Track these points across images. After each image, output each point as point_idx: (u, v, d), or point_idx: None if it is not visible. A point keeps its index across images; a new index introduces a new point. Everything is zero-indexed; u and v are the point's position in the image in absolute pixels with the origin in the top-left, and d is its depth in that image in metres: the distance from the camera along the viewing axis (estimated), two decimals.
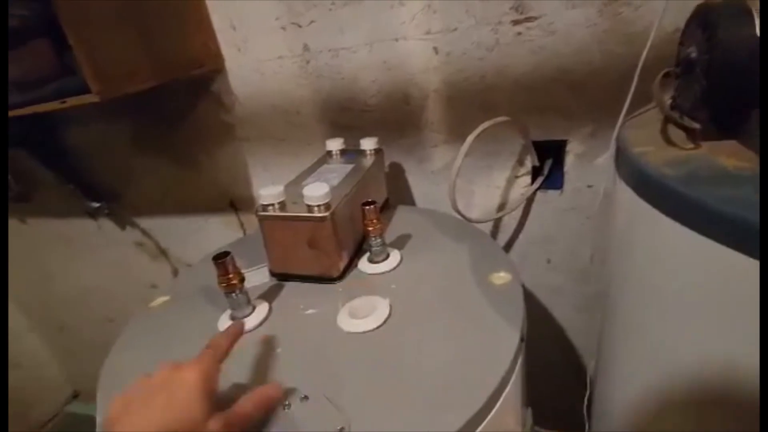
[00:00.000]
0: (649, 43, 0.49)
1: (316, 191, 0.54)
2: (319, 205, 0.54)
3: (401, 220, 0.75)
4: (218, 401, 0.35)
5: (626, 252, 0.43)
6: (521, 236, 0.88)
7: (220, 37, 0.86)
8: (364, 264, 0.62)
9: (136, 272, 1.29)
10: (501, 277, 0.55)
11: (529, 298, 0.93)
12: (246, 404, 0.38)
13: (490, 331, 0.47)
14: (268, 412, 0.40)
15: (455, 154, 0.82)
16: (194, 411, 0.33)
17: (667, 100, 0.37)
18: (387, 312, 0.51)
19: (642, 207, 0.34)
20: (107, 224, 1.23)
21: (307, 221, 0.55)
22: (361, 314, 0.51)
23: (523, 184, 0.83)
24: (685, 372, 0.35)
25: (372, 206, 0.58)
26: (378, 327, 0.50)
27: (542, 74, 0.72)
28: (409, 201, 0.92)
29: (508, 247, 0.90)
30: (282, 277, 0.61)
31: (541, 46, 0.70)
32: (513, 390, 0.45)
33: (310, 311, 0.55)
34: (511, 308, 0.50)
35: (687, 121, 0.35)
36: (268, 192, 0.57)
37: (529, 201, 0.84)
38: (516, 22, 0.70)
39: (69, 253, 1.35)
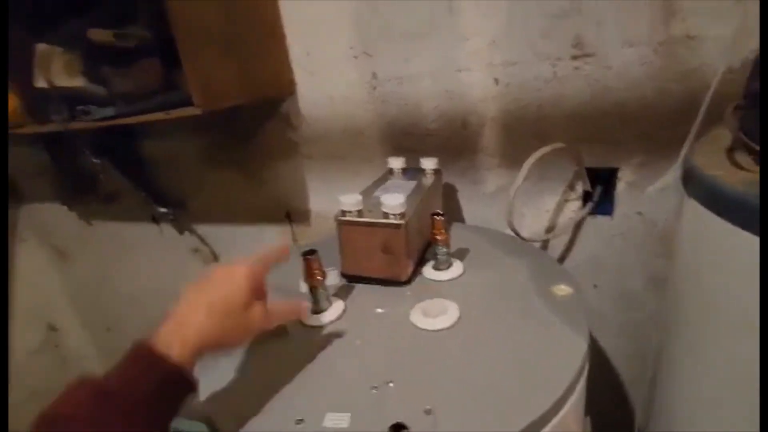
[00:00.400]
0: (717, 79, 0.54)
1: (393, 201, 0.60)
2: (395, 214, 0.60)
3: (458, 236, 0.79)
4: None
5: (696, 271, 0.46)
6: (569, 260, 0.91)
7: (295, 63, 0.95)
8: (429, 271, 0.66)
9: (190, 278, 1.36)
10: (563, 289, 0.59)
11: None
12: (283, 307, 0.50)
13: (557, 339, 0.51)
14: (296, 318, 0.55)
15: (508, 177, 0.88)
16: (238, 295, 0.42)
17: (736, 128, 0.42)
18: (458, 314, 0.55)
19: (719, 224, 0.38)
20: (168, 230, 1.31)
21: (384, 227, 0.61)
22: (433, 314, 0.56)
23: (573, 209, 0.87)
24: (755, 388, 0.38)
25: (441, 217, 0.63)
26: (451, 326, 0.54)
27: (596, 106, 0.77)
28: (461, 220, 0.96)
29: None
30: (353, 279, 0.66)
31: (597, 79, 0.76)
32: (578, 397, 0.48)
33: (381, 310, 0.60)
34: (576, 318, 0.53)
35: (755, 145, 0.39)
36: (347, 200, 0.62)
37: (579, 225, 0.87)
38: (574, 58, 0.77)
39: (128, 257, 1.44)
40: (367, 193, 0.73)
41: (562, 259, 0.92)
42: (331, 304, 0.60)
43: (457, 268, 0.66)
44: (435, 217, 0.63)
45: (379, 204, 0.61)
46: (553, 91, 0.80)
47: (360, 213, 0.63)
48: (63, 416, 0.32)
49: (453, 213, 0.96)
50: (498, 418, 0.41)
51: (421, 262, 0.69)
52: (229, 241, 1.27)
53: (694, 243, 0.47)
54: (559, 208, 0.88)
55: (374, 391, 0.45)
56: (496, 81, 0.83)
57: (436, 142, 0.91)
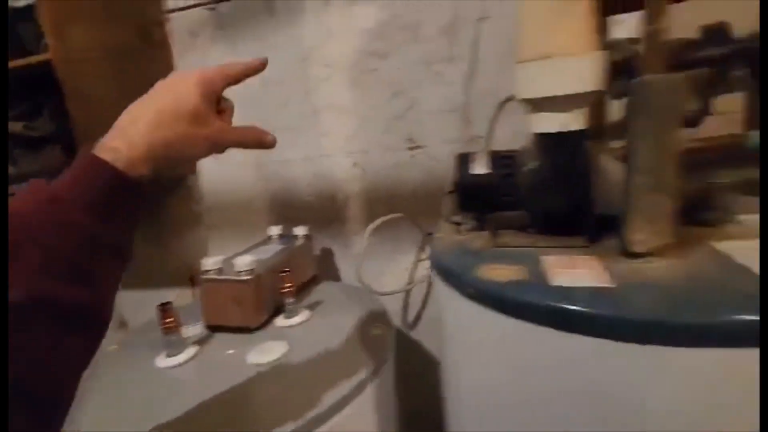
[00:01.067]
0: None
1: (243, 261, 0.75)
2: (244, 271, 0.74)
3: (321, 291, 0.94)
4: None
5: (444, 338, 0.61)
6: (425, 313, 1.07)
7: None
8: (280, 319, 0.80)
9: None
10: (378, 328, 0.74)
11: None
12: (246, 130, 0.43)
13: (351, 364, 0.65)
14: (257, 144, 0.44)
15: (371, 240, 1.05)
16: (187, 100, 0.37)
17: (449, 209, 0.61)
18: (284, 351, 0.68)
19: (443, 289, 0.54)
20: None
21: (235, 283, 0.74)
22: (264, 351, 0.68)
23: (426, 266, 1.04)
24: None
25: (286, 273, 0.78)
26: (274, 360, 0.67)
27: (428, 186, 0.99)
28: (336, 279, 1.11)
29: (417, 320, 1.08)
30: (213, 328, 0.78)
31: (427, 166, 0.98)
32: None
33: (231, 351, 0.72)
34: (381, 353, 0.68)
35: (457, 220, 0.58)
36: (208, 261, 0.77)
37: (430, 281, 1.05)
38: (410, 149, 0.99)
39: None
40: (237, 256, 0.87)
41: (421, 312, 1.07)
42: (185, 348, 0.71)
43: (303, 316, 0.80)
44: (281, 274, 0.78)
45: (233, 264, 0.76)
46: (398, 174, 1.01)
47: (219, 272, 0.77)
48: (14, 212, 0.31)
49: (332, 272, 1.11)
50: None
51: (280, 312, 0.82)
52: (138, 304, 1.34)
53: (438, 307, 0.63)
54: (416, 266, 1.06)
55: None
56: (355, 165, 1.03)
57: (312, 213, 1.09)
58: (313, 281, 1.00)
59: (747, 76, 0.64)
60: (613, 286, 0.40)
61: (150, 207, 0.36)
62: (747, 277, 0.39)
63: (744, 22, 0.80)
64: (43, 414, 0.31)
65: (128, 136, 0.36)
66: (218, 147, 0.41)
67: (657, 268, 0.43)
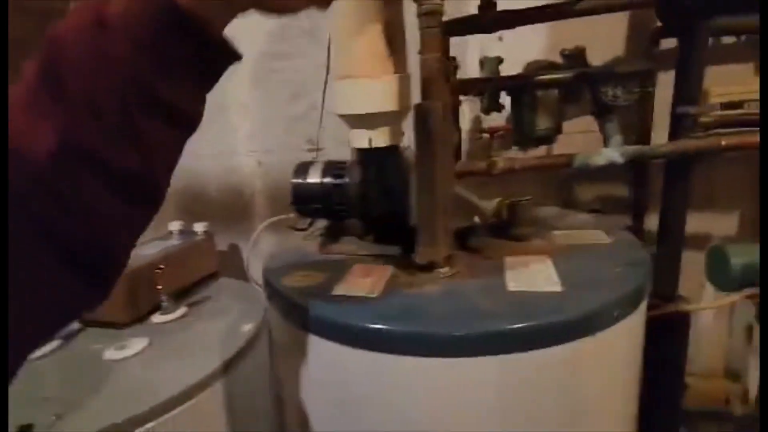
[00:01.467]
0: None
1: None
2: None
3: (213, 288, 0.95)
4: None
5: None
6: None
7: None
8: (156, 316, 0.81)
9: None
10: (245, 327, 0.76)
11: None
12: None
13: (202, 361, 0.67)
14: None
15: (272, 238, 1.07)
16: None
17: None
18: (143, 346, 0.70)
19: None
20: None
21: None
22: (125, 347, 0.70)
23: None
24: None
25: (160, 270, 0.79)
26: (132, 356, 0.68)
27: None
28: (242, 275, 1.13)
29: None
30: (87, 322, 0.79)
31: None
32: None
33: (97, 346, 0.72)
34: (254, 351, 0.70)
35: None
36: None
37: None
38: (310, 150, 1.01)
39: None
40: None
41: None
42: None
43: (178, 313, 0.81)
44: (155, 271, 0.79)
45: None
46: None
47: None
48: (57, 38, 0.25)
49: (235, 269, 1.13)
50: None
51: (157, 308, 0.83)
52: None
53: None
54: None
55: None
56: (259, 163, 1.05)
57: (219, 209, 1.10)
58: (213, 277, 1.01)
59: (593, 97, 0.68)
60: (374, 296, 0.43)
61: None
62: (497, 294, 0.42)
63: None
64: (94, 274, 0.28)
65: None
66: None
67: (432, 280, 0.46)
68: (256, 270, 0.96)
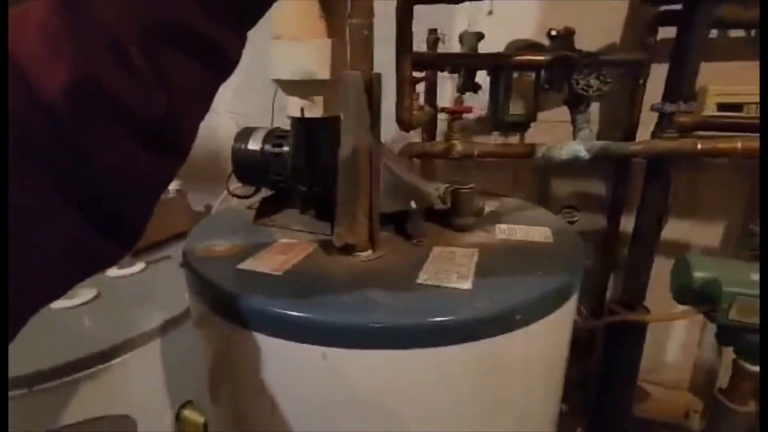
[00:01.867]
0: None
1: None
2: None
3: (178, 247, 0.95)
4: None
5: None
6: None
7: None
8: (113, 269, 0.81)
9: None
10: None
11: None
12: None
13: (144, 317, 0.67)
14: None
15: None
16: None
17: None
18: (87, 298, 0.70)
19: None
20: None
21: None
22: (71, 297, 0.70)
23: None
24: None
25: None
26: (78, 305, 0.69)
27: None
28: None
29: None
30: None
31: None
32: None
33: None
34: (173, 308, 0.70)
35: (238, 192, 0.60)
36: None
37: None
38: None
39: None
40: None
41: None
42: None
43: (135, 268, 0.82)
44: None
45: None
46: None
47: None
48: None
49: None
50: None
51: None
52: None
53: None
54: None
55: None
56: (237, 125, 1.02)
57: (196, 168, 1.08)
58: (181, 236, 1.01)
59: (567, 85, 0.63)
60: (277, 274, 0.41)
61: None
62: (401, 286, 0.39)
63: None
64: (117, 230, 0.25)
65: None
66: None
67: (346, 264, 0.44)
68: None
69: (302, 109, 0.47)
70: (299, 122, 0.48)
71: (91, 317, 0.68)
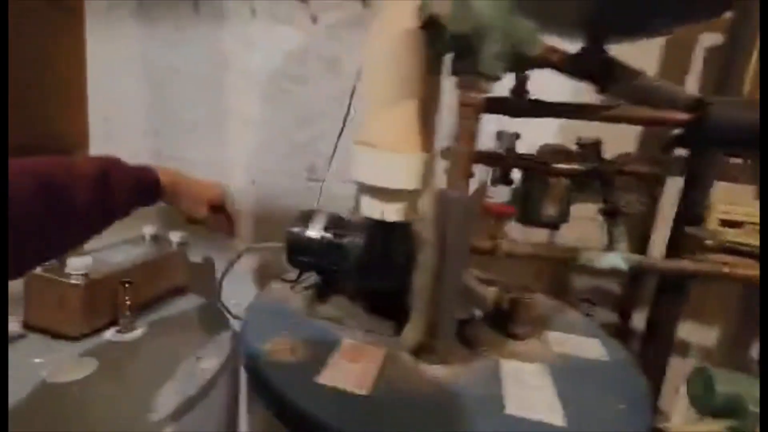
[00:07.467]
0: None
1: (79, 261, 0.69)
2: (76, 273, 0.69)
3: (178, 306, 0.89)
4: None
5: None
6: None
7: (92, 123, 1.06)
8: (111, 332, 0.74)
9: None
10: (207, 362, 0.70)
11: None
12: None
13: (153, 398, 0.61)
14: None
15: (256, 262, 1.02)
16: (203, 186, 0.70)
17: None
18: (88, 372, 0.64)
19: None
20: None
21: (63, 284, 0.69)
22: (68, 369, 0.63)
23: None
24: None
25: (127, 285, 0.73)
26: (76, 381, 0.62)
27: None
28: (212, 292, 1.07)
29: None
30: (32, 329, 0.72)
31: (323, 202, 0.96)
32: None
33: (37, 360, 0.66)
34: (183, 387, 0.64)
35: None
36: None
37: None
38: (309, 179, 0.97)
39: None
40: (89, 251, 0.81)
41: None
42: None
43: (137, 333, 0.75)
44: (121, 284, 0.73)
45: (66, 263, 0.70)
46: (292, 201, 0.98)
47: (49, 268, 0.70)
48: (76, 175, 0.46)
49: (206, 285, 1.06)
50: None
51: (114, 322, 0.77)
52: None
53: None
54: None
55: None
56: (253, 182, 1.00)
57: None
58: (180, 292, 0.95)
59: (603, 192, 0.67)
60: (363, 393, 0.39)
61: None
62: (495, 417, 0.39)
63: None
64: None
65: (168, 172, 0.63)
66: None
67: (424, 378, 0.43)
68: (228, 293, 0.90)
69: (382, 213, 0.47)
70: (376, 222, 0.48)
71: (88, 397, 0.61)
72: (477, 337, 0.50)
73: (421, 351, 0.44)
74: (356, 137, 0.46)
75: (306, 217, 0.56)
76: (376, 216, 0.47)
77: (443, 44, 0.35)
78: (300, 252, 0.55)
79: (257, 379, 0.42)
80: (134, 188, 0.54)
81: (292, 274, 0.61)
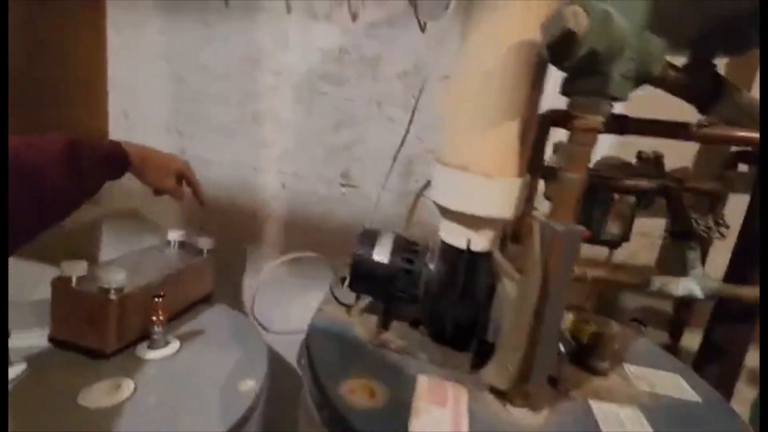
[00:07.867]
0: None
1: (113, 276, 0.65)
2: (110, 288, 0.64)
3: (206, 317, 0.85)
4: None
5: None
6: None
7: (112, 119, 1.00)
8: (142, 348, 0.70)
9: None
10: (247, 384, 0.66)
11: None
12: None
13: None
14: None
15: (281, 271, 0.97)
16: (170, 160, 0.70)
17: None
18: (126, 395, 0.59)
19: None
20: None
21: (94, 298, 0.64)
22: (103, 391, 0.59)
23: None
24: None
25: (160, 299, 0.68)
26: (113, 406, 0.57)
27: (352, 229, 0.93)
28: (236, 299, 1.02)
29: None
30: (58, 343, 0.67)
31: (357, 209, 0.92)
32: None
33: (73, 379, 0.61)
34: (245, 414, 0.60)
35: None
36: (69, 266, 0.66)
37: None
38: (343, 185, 0.93)
39: None
40: (114, 261, 0.76)
41: None
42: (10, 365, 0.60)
43: (171, 348, 0.71)
44: (154, 298, 0.68)
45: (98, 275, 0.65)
46: (325, 208, 0.94)
47: (79, 280, 0.66)
48: (47, 151, 0.47)
49: (229, 292, 1.02)
50: None
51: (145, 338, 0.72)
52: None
53: None
54: None
55: None
56: (283, 186, 0.96)
57: (225, 224, 0.99)
58: (206, 300, 0.91)
59: (671, 211, 0.64)
60: None
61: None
62: None
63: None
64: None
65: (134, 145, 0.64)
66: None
67: (516, 423, 0.39)
68: (259, 305, 0.86)
69: (468, 241, 0.43)
70: (460, 251, 0.44)
71: (129, 426, 0.57)
72: (561, 374, 0.46)
73: (511, 394, 0.40)
74: (442, 157, 0.42)
75: (371, 239, 0.52)
76: (461, 244, 0.43)
77: (572, 62, 0.31)
78: (365, 277, 0.51)
79: (340, 427, 0.38)
80: (103, 162, 0.55)
81: (336, 289, 0.57)
